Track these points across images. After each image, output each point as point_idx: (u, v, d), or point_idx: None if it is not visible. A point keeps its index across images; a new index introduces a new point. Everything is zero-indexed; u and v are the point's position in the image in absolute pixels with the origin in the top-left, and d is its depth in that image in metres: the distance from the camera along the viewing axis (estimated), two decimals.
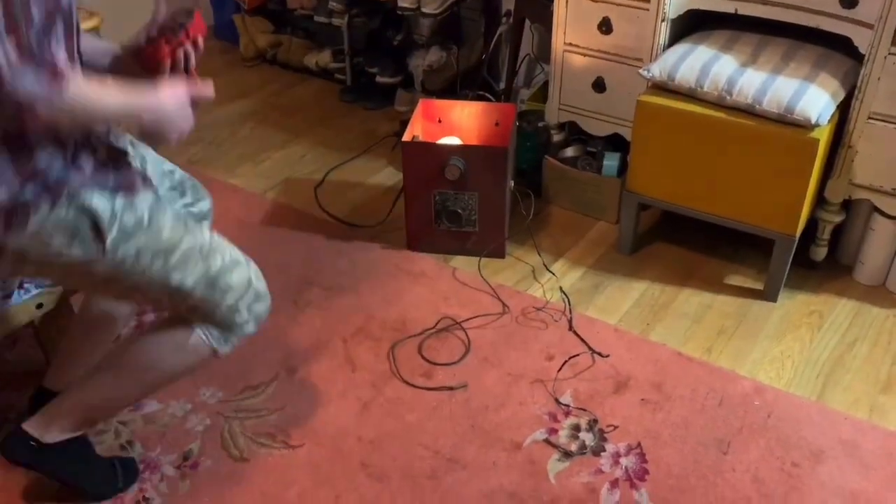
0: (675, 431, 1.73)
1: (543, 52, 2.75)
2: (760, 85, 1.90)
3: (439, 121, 2.38)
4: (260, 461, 1.64)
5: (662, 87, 2.04)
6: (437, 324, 2.02)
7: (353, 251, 2.31)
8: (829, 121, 1.89)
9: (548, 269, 2.23)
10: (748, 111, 1.91)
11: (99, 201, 1.24)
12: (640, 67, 2.11)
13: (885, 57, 1.84)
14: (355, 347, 1.96)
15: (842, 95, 1.93)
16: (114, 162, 1.32)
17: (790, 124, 1.87)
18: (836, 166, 2.02)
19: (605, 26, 2.21)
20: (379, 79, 3.11)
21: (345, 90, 3.25)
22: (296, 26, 3.47)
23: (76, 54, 1.25)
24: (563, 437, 1.72)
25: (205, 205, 1.66)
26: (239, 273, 1.43)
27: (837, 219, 2.11)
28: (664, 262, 2.27)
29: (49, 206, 1.21)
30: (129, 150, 1.39)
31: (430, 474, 1.64)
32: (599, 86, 2.32)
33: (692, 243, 2.32)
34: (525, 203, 2.35)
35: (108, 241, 1.26)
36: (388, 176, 2.68)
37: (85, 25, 1.98)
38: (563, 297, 2.12)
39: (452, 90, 2.99)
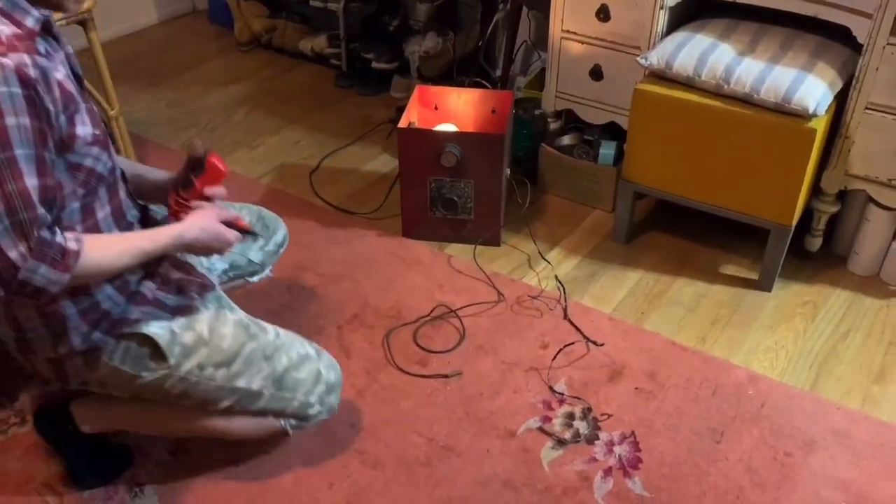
0: (669, 420, 1.73)
1: (541, 39, 2.74)
2: (758, 74, 1.89)
3: (435, 108, 2.37)
4: (254, 447, 1.63)
5: (660, 76, 2.03)
6: (431, 311, 2.02)
7: (348, 238, 2.31)
8: (827, 111, 1.88)
9: (543, 258, 2.23)
10: (745, 100, 1.91)
11: (157, 329, 1.36)
12: (638, 55, 2.10)
13: (884, 47, 1.83)
14: (350, 334, 1.95)
15: (839, 85, 1.93)
16: (178, 274, 1.44)
17: (787, 114, 1.87)
18: (833, 156, 2.02)
19: (604, 13, 2.20)
20: (375, 64, 3.09)
21: (340, 76, 3.23)
22: (291, 10, 3.44)
23: (125, 200, 1.37)
24: (557, 425, 1.72)
25: (278, 237, 1.78)
26: (307, 368, 1.51)
27: (833, 209, 2.11)
28: (659, 252, 2.27)
29: (115, 342, 1.35)
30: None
31: (424, 461, 1.64)
32: (597, 74, 2.30)
33: (687, 232, 2.32)
34: (521, 191, 2.34)
35: (172, 361, 1.37)
36: (383, 163, 2.67)
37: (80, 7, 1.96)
38: (559, 285, 2.12)
39: (449, 77, 2.97)
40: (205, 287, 1.48)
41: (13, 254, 1.10)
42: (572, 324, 1.99)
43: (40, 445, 1.66)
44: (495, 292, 2.10)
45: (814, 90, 1.85)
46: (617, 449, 1.67)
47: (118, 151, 2.47)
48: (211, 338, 1.42)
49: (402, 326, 1.98)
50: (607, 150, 2.37)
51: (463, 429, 1.71)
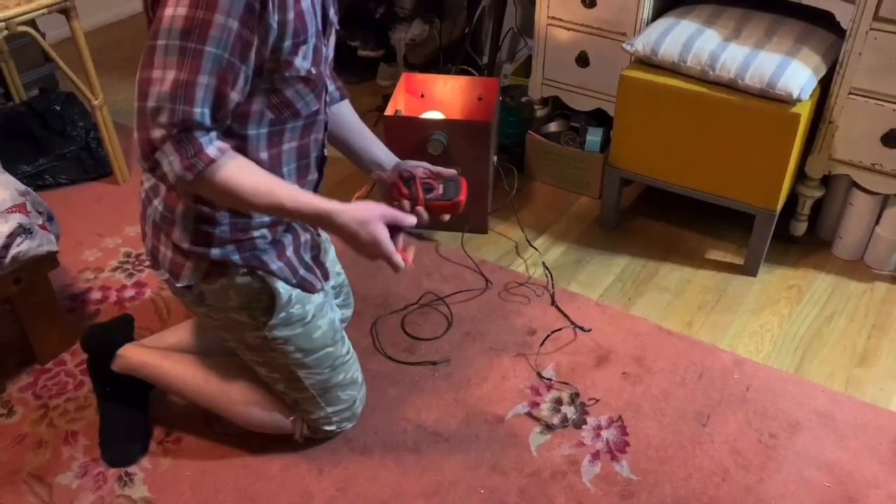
0: (656, 404, 1.75)
1: (527, 26, 2.74)
2: (743, 60, 1.90)
3: (422, 95, 2.36)
4: (242, 435, 1.63)
5: (646, 62, 2.03)
6: (419, 299, 2.02)
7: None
8: (811, 96, 1.90)
9: (530, 245, 2.23)
10: (731, 86, 1.92)
11: (283, 287, 1.40)
12: (624, 42, 2.10)
13: (867, 32, 1.84)
14: None
15: (823, 70, 1.94)
16: (311, 251, 1.48)
17: (772, 99, 1.88)
18: (817, 141, 2.03)
19: (589, 0, 2.20)
20: (360, 52, 3.08)
21: None
22: None
23: (315, 143, 1.36)
24: (544, 410, 1.74)
25: (348, 312, 1.83)
26: (350, 392, 1.59)
27: (817, 194, 2.13)
28: (646, 238, 2.28)
29: (243, 274, 1.37)
30: (325, 245, 1.54)
31: (412, 447, 1.65)
32: (583, 60, 2.31)
33: (673, 218, 2.33)
34: (508, 178, 2.34)
35: (273, 320, 1.41)
36: None
37: None
38: (546, 272, 2.12)
39: (435, 64, 2.97)
40: (325, 277, 1.52)
41: (156, 133, 1.12)
42: (560, 310, 2.00)
43: (28, 436, 1.66)
44: (483, 279, 2.10)
45: (798, 75, 1.86)
46: (604, 433, 1.68)
47: (101, 142, 2.45)
48: (310, 322, 1.46)
49: (390, 314, 1.98)
50: (594, 136, 2.37)
51: (451, 415, 1.72)
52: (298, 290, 1.43)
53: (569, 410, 1.74)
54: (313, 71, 1.23)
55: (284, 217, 1.34)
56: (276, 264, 1.39)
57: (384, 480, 1.58)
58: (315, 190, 1.45)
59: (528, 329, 1.95)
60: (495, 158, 2.26)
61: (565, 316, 1.98)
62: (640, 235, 2.29)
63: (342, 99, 1.55)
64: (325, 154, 1.46)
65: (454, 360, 1.86)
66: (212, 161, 1.16)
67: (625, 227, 2.33)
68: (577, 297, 2.06)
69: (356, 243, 1.29)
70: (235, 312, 1.41)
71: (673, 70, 1.99)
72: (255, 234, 1.36)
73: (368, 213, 1.28)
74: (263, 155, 1.29)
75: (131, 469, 1.60)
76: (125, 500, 1.54)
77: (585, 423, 1.71)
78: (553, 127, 2.49)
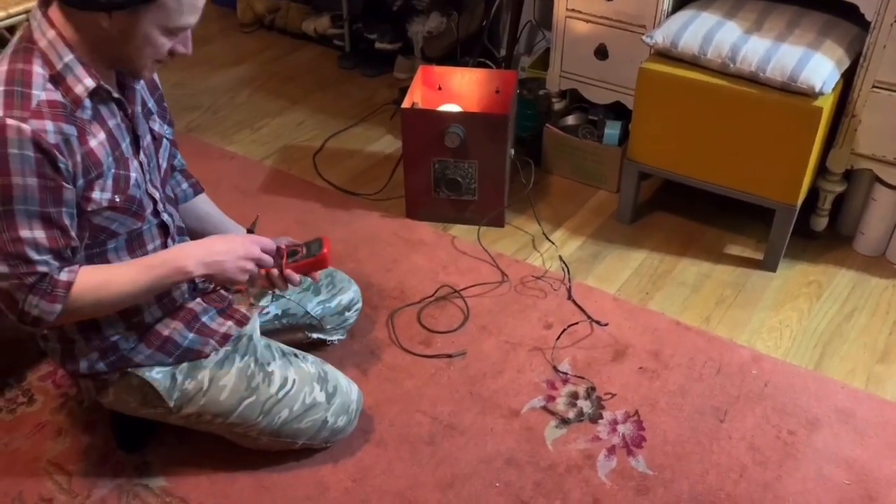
0: (673, 399, 1.74)
1: (545, 18, 2.72)
2: (764, 52, 1.87)
3: (439, 88, 2.36)
4: None
5: (665, 55, 2.01)
6: (435, 292, 2.02)
7: (351, 219, 2.31)
8: (833, 89, 1.87)
9: (547, 238, 2.23)
10: (752, 79, 1.89)
11: (158, 374, 1.42)
12: (644, 34, 2.09)
13: (892, 24, 1.81)
14: None
15: (846, 63, 1.91)
16: (211, 312, 1.49)
17: (794, 93, 1.85)
18: (839, 135, 2.00)
19: None
20: (378, 45, 3.08)
21: (343, 56, 3.21)
22: None
23: (167, 245, 1.43)
24: (560, 404, 1.73)
25: (345, 298, 1.78)
26: (312, 418, 1.54)
27: (839, 189, 2.10)
28: (664, 232, 2.26)
29: (118, 377, 1.42)
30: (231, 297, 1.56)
31: (427, 440, 1.65)
32: (602, 53, 2.29)
33: (692, 212, 2.31)
34: (525, 172, 2.33)
35: (171, 405, 1.44)
36: (387, 143, 2.66)
37: None
38: (563, 265, 2.11)
39: (452, 57, 2.95)
40: (239, 323, 1.52)
41: (9, 289, 1.20)
42: (576, 304, 1.99)
43: (48, 425, 1.67)
44: (499, 273, 2.10)
45: (821, 68, 1.83)
46: (620, 428, 1.68)
47: None
48: (210, 388, 1.46)
49: (406, 307, 1.98)
50: (612, 129, 2.36)
51: (466, 408, 1.72)
52: (185, 364, 1.45)
53: (585, 405, 1.73)
54: (117, 199, 1.29)
55: (156, 291, 1.34)
56: (141, 355, 1.42)
57: (399, 472, 1.58)
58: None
59: (545, 323, 1.94)
60: (512, 152, 2.25)
61: (582, 310, 1.97)
62: (658, 230, 2.27)
63: (196, 194, 1.64)
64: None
65: (470, 354, 1.85)
66: (69, 284, 1.23)
67: (643, 221, 2.31)
68: (594, 291, 2.05)
69: (221, 274, 1.35)
70: (142, 410, 1.48)
71: (693, 63, 1.97)
72: (114, 339, 1.40)
73: (231, 248, 1.36)
74: None
75: (149, 458, 1.61)
76: (142, 489, 1.55)
77: (601, 417, 1.70)
78: (571, 120, 2.48)
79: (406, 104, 2.16)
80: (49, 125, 1.16)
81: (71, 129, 1.19)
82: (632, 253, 2.19)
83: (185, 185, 1.61)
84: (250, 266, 1.37)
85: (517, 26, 2.77)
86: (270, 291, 1.63)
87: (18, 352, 1.81)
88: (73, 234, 1.24)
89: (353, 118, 2.82)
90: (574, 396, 1.75)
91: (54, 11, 1.19)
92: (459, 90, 2.35)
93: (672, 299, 2.02)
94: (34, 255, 1.19)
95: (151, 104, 1.44)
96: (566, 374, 1.80)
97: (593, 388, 1.77)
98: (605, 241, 2.23)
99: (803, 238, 2.18)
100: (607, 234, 2.26)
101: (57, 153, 1.17)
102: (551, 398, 1.74)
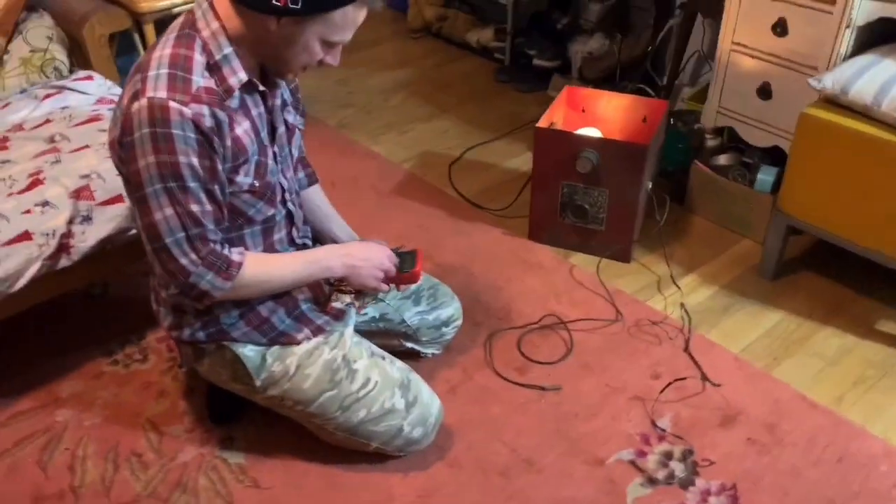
0: (779, 480, 1.56)
1: (714, 49, 2.56)
2: None
3: (583, 110, 2.28)
4: None
5: (833, 101, 1.82)
6: (541, 319, 1.95)
7: (473, 232, 2.28)
8: None
9: (674, 282, 2.08)
10: None
11: (251, 352, 1.47)
12: (813, 76, 1.90)
13: None
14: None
15: None
16: (309, 303, 1.53)
17: None
18: None
19: (780, 27, 2.00)
20: (536, 61, 3.04)
21: (501, 70, 3.20)
22: (464, 1, 3.46)
23: (281, 242, 1.51)
24: (651, 461, 1.60)
25: (445, 313, 1.77)
26: (388, 422, 1.53)
27: None
28: (808, 294, 2.05)
29: (215, 346, 1.48)
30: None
31: (502, 471, 1.59)
32: (765, 92, 2.11)
33: (845, 278, 2.08)
34: (660, 208, 2.19)
35: (258, 384, 1.48)
36: (525, 161, 2.61)
37: None
38: (684, 313, 1.97)
39: (611, 80, 2.86)
40: (336, 318, 1.55)
41: (184, 261, 1.29)
42: (692, 357, 1.85)
43: (155, 385, 1.78)
44: (614, 310, 1.99)
45: None
46: (712, 500, 1.53)
47: None
48: (295, 375, 1.48)
49: (508, 330, 1.92)
50: (766, 175, 2.17)
51: (550, 446, 1.64)
52: (276, 347, 1.48)
53: (678, 467, 1.59)
54: (256, 184, 1.37)
55: (312, 280, 1.49)
56: (238, 331, 1.46)
57: (466, 498, 1.53)
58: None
59: (653, 372, 1.81)
60: (649, 185, 2.12)
61: (696, 365, 1.82)
62: (802, 291, 2.06)
63: (310, 185, 1.68)
64: (307, 243, 1.60)
65: (565, 390, 1.77)
66: (240, 265, 1.33)
67: (787, 278, 2.10)
68: (716, 346, 1.89)
69: (362, 279, 1.49)
70: (232, 384, 1.53)
71: (864, 113, 1.76)
72: (217, 311, 1.44)
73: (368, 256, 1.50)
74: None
75: (235, 433, 1.66)
76: (221, 462, 1.61)
77: (693, 484, 1.56)
78: (723, 160, 2.31)
79: (543, 123, 2.11)
80: (206, 110, 1.23)
81: (223, 116, 1.26)
82: (767, 312, 2.00)
83: (301, 175, 1.65)
84: (381, 275, 1.50)
85: (682, 55, 2.63)
86: (371, 297, 1.65)
87: (145, 311, 1.94)
88: (225, 211, 1.33)
89: (498, 132, 2.79)
90: (668, 456, 1.62)
91: (221, 3, 1.26)
92: (604, 114, 2.26)
93: (803, 370, 1.82)
94: (209, 227, 1.29)
95: (287, 95, 1.50)
96: (664, 430, 1.67)
97: (691, 451, 1.62)
98: (740, 295, 2.05)
99: None
100: (743, 288, 2.08)
101: (213, 136, 1.25)
102: (643, 453, 1.62)
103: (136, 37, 2.21)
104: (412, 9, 3.54)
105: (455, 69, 3.30)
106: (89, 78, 2.04)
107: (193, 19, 1.28)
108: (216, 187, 1.29)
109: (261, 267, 1.39)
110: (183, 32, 1.27)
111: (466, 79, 3.21)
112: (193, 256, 1.29)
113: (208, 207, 1.28)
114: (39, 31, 2.08)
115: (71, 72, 2.11)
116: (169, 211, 1.26)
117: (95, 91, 2.00)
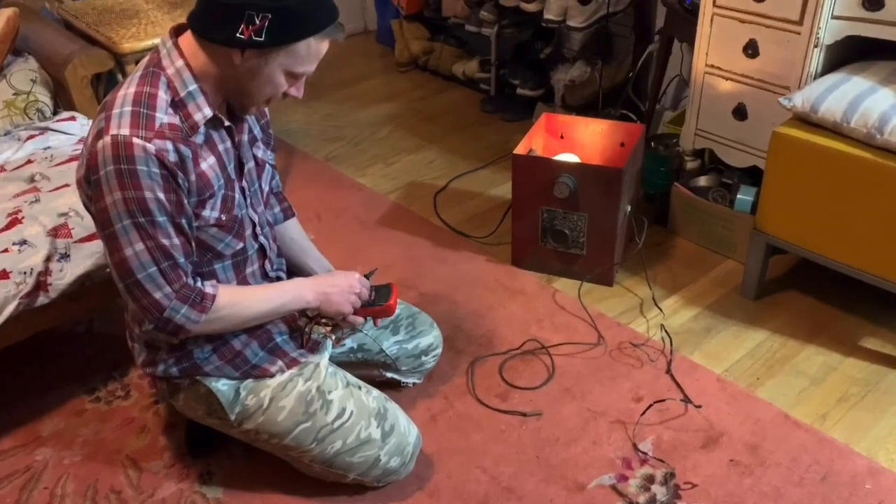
0: (763, 502, 1.54)
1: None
2: None
3: (561, 136, 2.30)
4: None
5: (804, 119, 1.83)
6: (522, 345, 1.94)
7: (457, 260, 2.29)
8: None
9: (656, 304, 2.08)
10: None
11: (224, 386, 1.47)
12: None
13: None
14: None
15: None
16: (284, 334, 1.54)
17: None
18: None
19: (752, 49, 2.03)
20: (519, 91, 3.07)
21: (487, 100, 3.24)
22: (449, 34, 3.51)
23: (254, 275, 1.51)
24: (632, 486, 1.59)
25: (424, 341, 1.77)
26: (364, 453, 1.52)
27: None
28: (791, 313, 2.04)
29: (189, 381, 1.48)
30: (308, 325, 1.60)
31: (482, 500, 1.57)
32: (741, 113, 2.13)
33: (829, 296, 2.07)
34: (639, 230, 2.20)
35: (232, 418, 1.49)
36: (509, 189, 2.61)
37: None
38: (664, 335, 1.96)
39: (594, 107, 2.89)
40: (311, 350, 1.55)
41: (158, 295, 1.29)
42: (674, 379, 1.84)
43: (136, 420, 1.78)
44: (596, 334, 1.98)
45: None
46: None
47: None
48: (269, 407, 1.48)
49: (490, 356, 1.92)
50: (746, 195, 2.18)
51: (530, 472, 1.62)
52: (250, 381, 1.48)
53: (659, 491, 1.58)
54: (223, 218, 1.38)
55: (285, 312, 1.47)
56: (211, 365, 1.46)
57: None
58: None
59: (635, 395, 1.80)
60: (629, 208, 2.13)
61: (678, 386, 1.81)
62: (785, 310, 2.05)
63: (286, 219, 1.69)
64: (281, 276, 1.60)
65: (546, 415, 1.76)
66: (213, 297, 1.33)
67: (770, 298, 2.10)
68: (698, 368, 1.88)
69: (333, 305, 1.48)
70: (207, 418, 1.52)
71: (834, 130, 1.77)
72: (189, 347, 1.45)
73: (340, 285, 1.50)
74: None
75: (213, 468, 1.66)
76: (199, 497, 1.60)
77: None
78: (703, 181, 2.32)
79: (522, 150, 2.13)
80: (169, 145, 1.25)
81: (187, 151, 1.28)
82: (750, 332, 1.99)
83: (277, 210, 1.67)
84: (354, 298, 1.50)
85: (661, 80, 2.66)
86: (348, 330, 1.65)
87: (128, 347, 1.95)
88: (193, 245, 1.34)
89: (483, 161, 2.82)
90: (649, 480, 1.60)
91: (186, 41, 1.29)
92: (582, 140, 2.28)
93: (786, 389, 1.81)
94: (180, 260, 1.30)
95: (257, 130, 1.51)
96: (646, 454, 1.65)
97: (673, 474, 1.61)
98: (723, 316, 2.05)
99: None
100: (726, 308, 2.07)
101: (177, 171, 1.26)
102: (624, 478, 1.61)
103: (120, 77, 2.24)
104: (399, 43, 3.59)
105: (442, 101, 3.34)
106: (72, 119, 2.08)
107: (158, 58, 1.30)
108: (183, 220, 1.30)
109: (234, 297, 1.39)
110: (148, 71, 1.29)
111: (453, 110, 3.25)
112: (168, 290, 1.29)
113: (177, 241, 1.29)
114: (23, 73, 2.13)
115: (55, 113, 2.15)
116: (139, 246, 1.26)
117: (78, 131, 2.03)
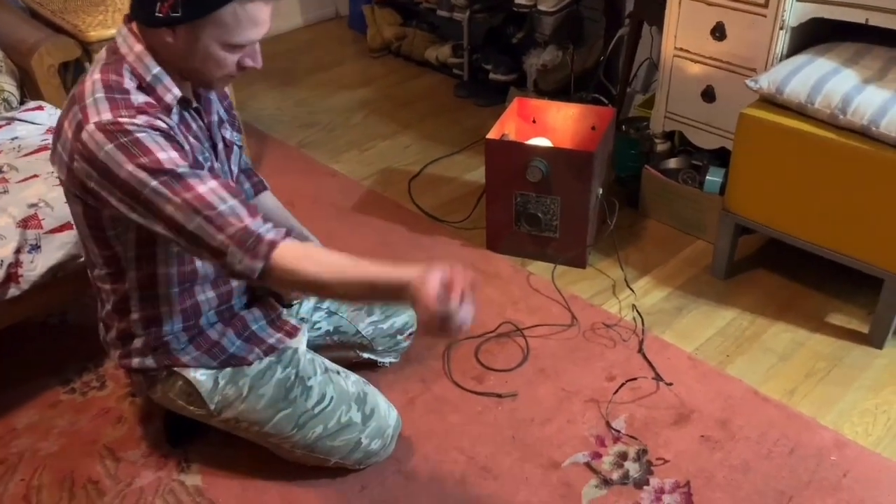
0: (732, 475, 1.58)
1: None
2: (881, 104, 1.69)
3: (533, 121, 2.31)
4: None
5: (770, 101, 1.87)
6: (497, 328, 1.97)
7: (432, 245, 2.30)
8: None
9: (628, 285, 2.11)
10: (863, 133, 1.71)
11: (202, 376, 1.46)
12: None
13: None
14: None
15: None
16: (261, 320, 1.52)
17: None
18: None
19: (719, 32, 2.05)
20: (492, 76, 3.08)
21: (460, 85, 3.24)
22: (421, 19, 3.51)
23: None
24: (606, 463, 1.62)
25: (398, 321, 1.77)
26: (345, 437, 1.53)
27: None
28: (760, 291, 2.08)
29: (166, 373, 1.47)
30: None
31: (459, 479, 1.60)
32: (709, 95, 2.16)
33: (798, 274, 2.11)
34: (610, 212, 2.22)
35: (212, 407, 1.48)
36: (483, 174, 2.63)
37: None
38: (636, 315, 1.99)
39: (566, 91, 2.90)
40: (288, 335, 1.54)
41: (214, 243, 1.20)
42: (646, 358, 1.87)
43: (112, 411, 1.78)
44: (569, 315, 2.01)
45: None
46: (666, 498, 1.54)
47: None
48: (248, 396, 1.48)
49: (466, 340, 1.94)
50: (714, 177, 2.21)
51: (506, 452, 1.65)
52: (228, 370, 1.47)
53: (632, 467, 1.61)
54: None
55: (359, 290, 1.25)
56: (188, 356, 1.46)
57: None
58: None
59: (608, 374, 1.84)
60: (600, 191, 2.16)
61: (650, 365, 1.85)
62: (755, 288, 2.10)
63: (258, 193, 1.66)
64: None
65: (521, 396, 1.78)
66: (272, 243, 1.20)
67: (740, 277, 2.14)
68: (670, 347, 1.91)
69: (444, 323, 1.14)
70: (186, 409, 1.51)
71: (799, 111, 1.81)
72: (167, 338, 1.44)
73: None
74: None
75: (191, 456, 1.66)
76: (178, 485, 1.61)
77: (648, 483, 1.57)
78: (673, 163, 2.35)
79: (495, 135, 2.14)
80: (154, 119, 1.22)
81: (172, 124, 1.26)
82: (720, 311, 2.03)
83: (247, 185, 1.65)
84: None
85: (632, 63, 2.68)
86: (321, 307, 1.65)
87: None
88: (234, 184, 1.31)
89: (458, 146, 2.82)
90: (623, 457, 1.63)
91: (137, 27, 1.27)
92: (554, 124, 2.30)
93: (755, 366, 1.85)
94: (222, 207, 1.20)
95: (222, 113, 1.49)
96: (619, 431, 1.69)
97: (645, 451, 1.64)
98: (693, 295, 2.09)
99: None
100: (697, 288, 2.11)
101: (175, 131, 1.25)
102: (597, 455, 1.64)
103: (88, 65, 2.22)
104: (371, 29, 3.58)
105: (415, 86, 3.34)
106: (39, 108, 2.05)
107: (115, 46, 1.28)
108: (204, 167, 1.27)
109: (298, 252, 1.22)
110: (109, 59, 1.27)
111: (426, 95, 3.25)
112: (221, 237, 1.19)
113: (213, 183, 1.21)
114: None
115: (21, 103, 2.12)
116: (177, 200, 1.19)
117: (46, 121, 2.00)
